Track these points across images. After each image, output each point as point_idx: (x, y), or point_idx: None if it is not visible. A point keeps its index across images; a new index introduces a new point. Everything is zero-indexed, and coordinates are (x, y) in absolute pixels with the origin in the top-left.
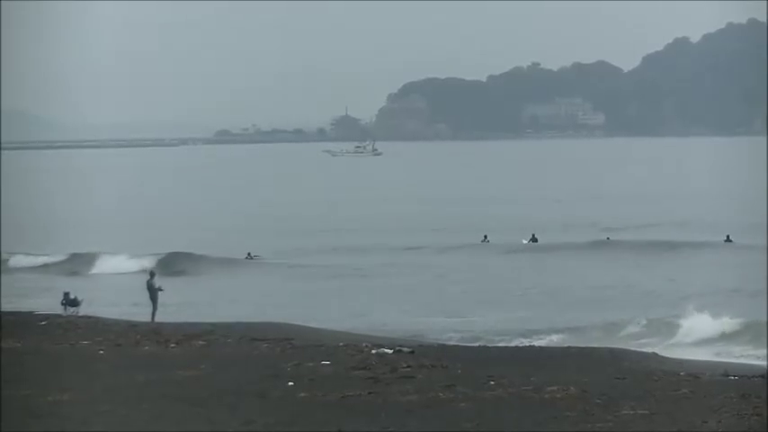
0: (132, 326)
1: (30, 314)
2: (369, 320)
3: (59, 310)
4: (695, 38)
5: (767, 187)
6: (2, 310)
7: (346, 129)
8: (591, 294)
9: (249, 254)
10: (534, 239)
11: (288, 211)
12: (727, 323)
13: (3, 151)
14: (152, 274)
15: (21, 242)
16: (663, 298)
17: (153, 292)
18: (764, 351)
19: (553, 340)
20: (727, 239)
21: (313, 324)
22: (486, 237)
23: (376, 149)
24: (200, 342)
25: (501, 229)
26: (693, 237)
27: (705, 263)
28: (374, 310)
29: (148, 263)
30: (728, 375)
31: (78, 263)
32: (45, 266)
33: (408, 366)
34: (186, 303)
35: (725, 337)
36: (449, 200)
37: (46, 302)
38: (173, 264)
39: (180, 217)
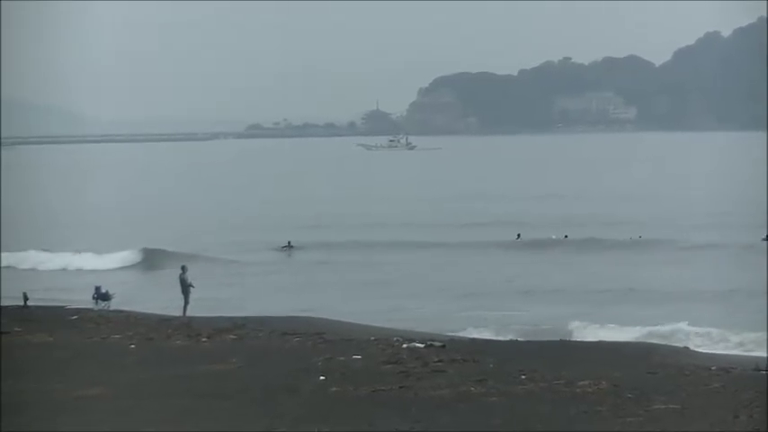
0: (164, 320)
1: (61, 308)
2: (400, 315)
3: (91, 304)
4: (726, 32)
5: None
6: (34, 304)
7: (377, 123)
8: (629, 294)
9: (289, 243)
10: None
11: (327, 205)
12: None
13: (33, 145)
14: (184, 269)
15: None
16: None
17: (185, 286)
18: None
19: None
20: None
21: (344, 318)
22: (519, 235)
23: (410, 143)
24: (232, 336)
25: (535, 225)
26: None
27: None
28: (405, 305)
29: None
30: (760, 370)
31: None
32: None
33: (440, 361)
34: (215, 299)
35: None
36: (482, 195)
37: (77, 297)
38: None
39: (224, 208)
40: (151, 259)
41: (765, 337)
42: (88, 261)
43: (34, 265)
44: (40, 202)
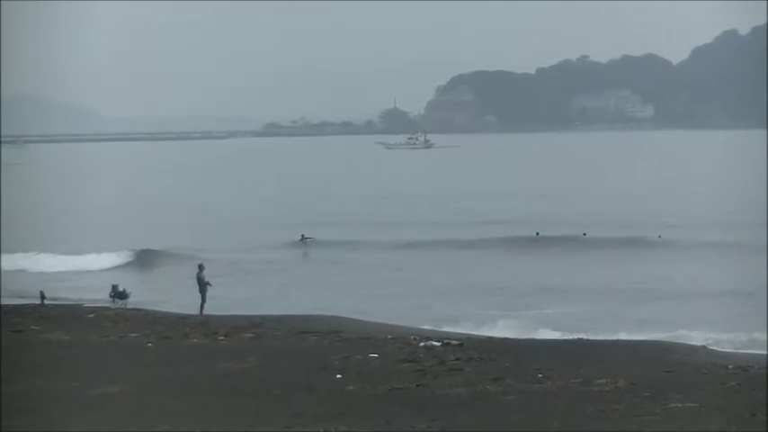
0: (181, 318)
1: (78, 306)
2: (417, 313)
3: (108, 302)
4: (744, 30)
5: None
6: (50, 303)
7: (395, 121)
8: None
9: (303, 236)
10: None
11: (344, 203)
12: None
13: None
14: (201, 267)
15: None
16: None
17: (202, 284)
18: None
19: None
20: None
21: (360, 317)
22: (537, 233)
23: (428, 141)
24: (249, 335)
25: (552, 222)
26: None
27: None
28: (424, 304)
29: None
30: None
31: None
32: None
33: (456, 359)
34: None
35: None
36: (501, 193)
37: (94, 295)
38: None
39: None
40: (150, 258)
41: None
42: (91, 261)
43: (34, 264)
44: (47, 201)
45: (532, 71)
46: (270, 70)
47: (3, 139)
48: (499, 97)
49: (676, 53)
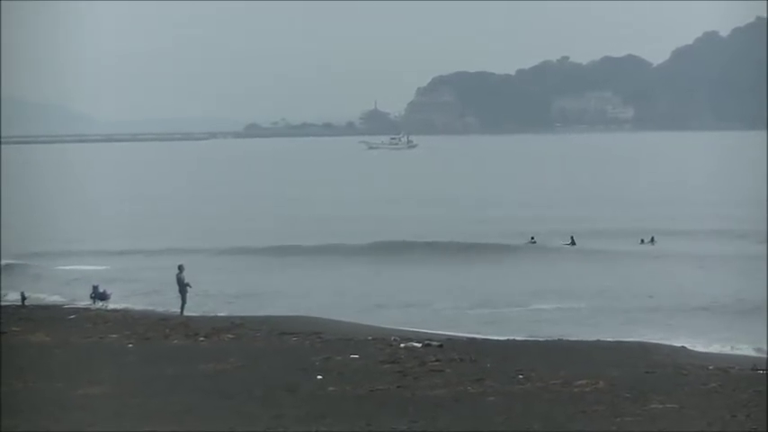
0: (161, 319)
1: (59, 308)
2: (398, 314)
3: (89, 303)
4: (725, 32)
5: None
6: (31, 303)
7: (375, 122)
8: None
9: None
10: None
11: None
12: None
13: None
14: (181, 268)
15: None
16: None
17: (182, 285)
18: None
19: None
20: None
21: (342, 318)
22: (532, 238)
23: (411, 141)
24: (230, 336)
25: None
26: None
27: None
28: (406, 304)
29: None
30: (757, 369)
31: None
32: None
33: (437, 360)
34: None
35: None
36: (487, 198)
37: (75, 296)
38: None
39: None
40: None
41: None
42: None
43: (26, 264)
44: (34, 201)
45: (513, 72)
46: (250, 71)
47: None
48: (480, 98)
49: (657, 54)
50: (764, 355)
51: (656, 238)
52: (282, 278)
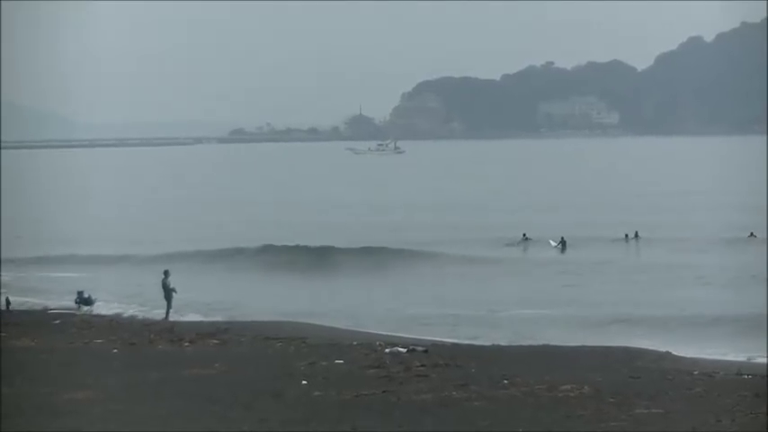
0: (146, 325)
1: (44, 313)
2: (382, 319)
3: (74, 309)
4: (709, 37)
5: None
6: (15, 308)
7: (360, 128)
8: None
9: None
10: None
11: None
12: None
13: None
14: (166, 273)
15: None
16: None
17: (167, 291)
18: None
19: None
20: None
21: (325, 323)
22: (524, 234)
23: (398, 147)
24: (215, 341)
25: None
26: None
27: None
28: (391, 309)
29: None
30: (742, 374)
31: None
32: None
33: (422, 365)
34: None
35: None
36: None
37: (60, 301)
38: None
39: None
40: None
41: None
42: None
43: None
44: (16, 207)
45: (498, 77)
46: (234, 76)
47: None
48: (465, 103)
49: (641, 59)
50: (748, 361)
51: (639, 234)
52: (268, 283)
